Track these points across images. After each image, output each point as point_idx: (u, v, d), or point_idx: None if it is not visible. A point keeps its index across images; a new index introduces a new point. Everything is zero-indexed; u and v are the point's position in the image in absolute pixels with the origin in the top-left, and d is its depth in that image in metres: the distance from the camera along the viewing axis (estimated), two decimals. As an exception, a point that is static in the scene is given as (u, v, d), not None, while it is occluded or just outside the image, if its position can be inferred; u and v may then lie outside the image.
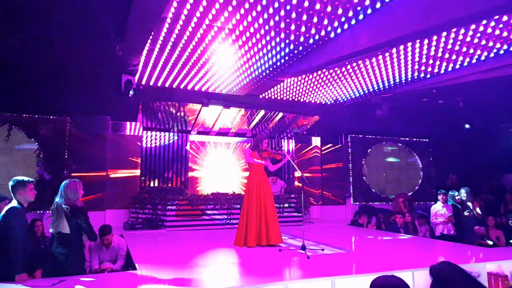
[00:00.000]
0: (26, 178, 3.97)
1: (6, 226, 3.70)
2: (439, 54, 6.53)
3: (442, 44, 6.14)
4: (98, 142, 9.40)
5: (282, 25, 5.47)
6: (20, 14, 5.91)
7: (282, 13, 5.13)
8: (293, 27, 5.54)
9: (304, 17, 5.27)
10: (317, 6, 4.94)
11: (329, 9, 4.96)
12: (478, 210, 7.81)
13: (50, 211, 4.04)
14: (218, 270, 4.50)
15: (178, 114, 9.61)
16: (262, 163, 6.14)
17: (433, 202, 12.06)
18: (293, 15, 5.20)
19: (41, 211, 7.84)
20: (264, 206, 5.96)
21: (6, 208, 3.84)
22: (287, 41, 5.99)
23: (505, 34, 5.71)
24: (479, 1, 4.62)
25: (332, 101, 9.60)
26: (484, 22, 5.42)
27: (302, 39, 5.94)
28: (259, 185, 6.04)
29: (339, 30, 5.72)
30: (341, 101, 9.61)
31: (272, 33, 5.72)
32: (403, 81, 8.02)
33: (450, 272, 2.49)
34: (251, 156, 6.14)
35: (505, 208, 8.76)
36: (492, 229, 7.21)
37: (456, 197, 8.13)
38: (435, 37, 5.91)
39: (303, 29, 5.60)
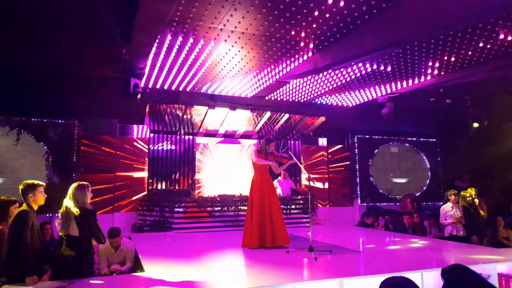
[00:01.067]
0: (36, 182, 4.02)
1: (16, 229, 3.74)
2: (446, 54, 6.50)
3: (448, 43, 6.10)
4: (105, 145, 9.48)
5: (287, 26, 5.47)
6: (27, 18, 5.98)
7: (287, 14, 5.14)
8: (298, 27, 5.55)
9: (310, 18, 5.27)
10: (330, 0, 4.90)
11: (342, 3, 4.92)
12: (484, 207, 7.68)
13: (59, 214, 4.07)
14: (225, 271, 4.51)
15: (185, 116, 9.66)
16: (270, 164, 6.13)
17: (441, 203, 11.99)
18: (299, 17, 5.20)
19: (50, 214, 7.91)
20: (269, 207, 5.94)
21: (16, 211, 3.89)
22: (292, 42, 5.99)
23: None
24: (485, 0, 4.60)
25: (338, 102, 9.58)
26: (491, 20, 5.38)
27: (307, 40, 5.94)
28: (262, 187, 6.03)
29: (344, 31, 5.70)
30: (347, 101, 9.58)
31: (278, 35, 5.73)
32: (410, 81, 7.98)
33: (462, 275, 2.47)
34: (257, 157, 6.14)
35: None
36: (501, 230, 7.13)
37: (468, 199, 7.97)
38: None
39: (308, 29, 5.61)
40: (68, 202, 4.06)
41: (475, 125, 10.43)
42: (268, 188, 6.07)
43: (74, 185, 4.16)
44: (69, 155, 9.00)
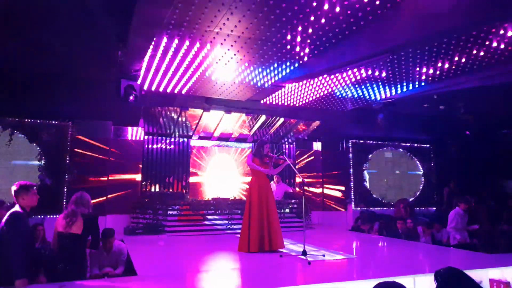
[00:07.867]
0: (29, 183, 3.99)
1: (8, 231, 3.70)
2: (439, 61, 6.56)
3: (442, 51, 6.16)
4: (99, 147, 9.43)
5: (283, 31, 5.50)
6: (22, 19, 5.94)
7: (284, 19, 5.16)
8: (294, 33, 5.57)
9: (307, 23, 5.30)
10: (326, 6, 4.92)
11: (338, 9, 4.94)
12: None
13: (65, 213, 4.21)
14: (219, 275, 4.49)
15: (180, 119, 9.64)
16: (262, 170, 6.10)
17: (434, 208, 12.04)
18: (295, 21, 5.23)
19: (42, 216, 7.83)
20: (267, 211, 5.93)
21: (8, 212, 3.84)
22: (288, 47, 6.02)
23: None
24: (481, 8, 4.65)
25: (333, 107, 9.62)
26: (485, 28, 5.44)
27: (303, 45, 5.97)
28: (261, 190, 6.03)
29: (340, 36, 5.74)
30: (342, 106, 9.63)
31: (273, 39, 5.75)
32: (404, 88, 8.05)
33: (455, 277, 2.48)
34: (253, 161, 6.14)
35: (508, 214, 8.72)
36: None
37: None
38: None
39: (305, 34, 5.63)
40: (76, 207, 4.20)
41: (468, 132, 10.52)
42: (266, 191, 6.07)
43: (80, 193, 4.39)
44: (62, 157, 8.94)
